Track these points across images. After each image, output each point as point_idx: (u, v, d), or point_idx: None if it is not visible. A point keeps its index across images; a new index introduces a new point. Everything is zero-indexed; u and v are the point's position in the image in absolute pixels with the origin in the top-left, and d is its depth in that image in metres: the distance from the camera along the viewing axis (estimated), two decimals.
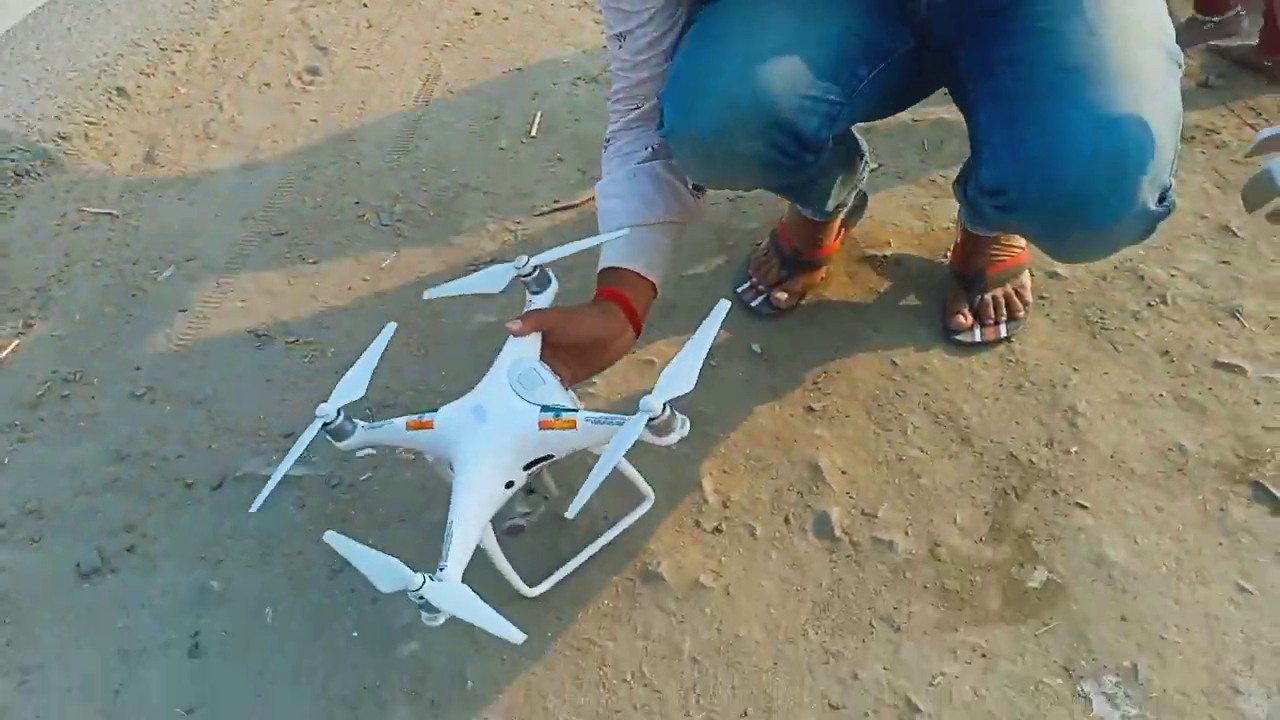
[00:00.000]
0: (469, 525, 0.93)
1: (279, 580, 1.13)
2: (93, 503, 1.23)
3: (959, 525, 1.12)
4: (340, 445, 1.02)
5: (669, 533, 1.14)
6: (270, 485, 0.99)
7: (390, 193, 1.69)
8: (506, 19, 2.20)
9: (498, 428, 0.97)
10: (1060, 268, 1.41)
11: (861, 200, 1.49)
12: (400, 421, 1.03)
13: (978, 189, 1.03)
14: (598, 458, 0.87)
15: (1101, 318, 1.34)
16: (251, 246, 1.59)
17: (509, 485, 0.97)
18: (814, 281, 1.42)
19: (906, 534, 1.12)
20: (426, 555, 1.10)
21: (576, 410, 0.96)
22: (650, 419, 0.88)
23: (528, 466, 0.98)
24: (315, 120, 1.89)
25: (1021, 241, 1.36)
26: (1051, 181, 0.93)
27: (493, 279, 1.08)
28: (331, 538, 0.89)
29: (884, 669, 1.00)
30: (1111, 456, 1.17)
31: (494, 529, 1.02)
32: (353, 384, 1.04)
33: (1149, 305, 1.34)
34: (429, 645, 1.05)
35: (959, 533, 1.11)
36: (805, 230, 1.39)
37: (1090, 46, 0.95)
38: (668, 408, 0.88)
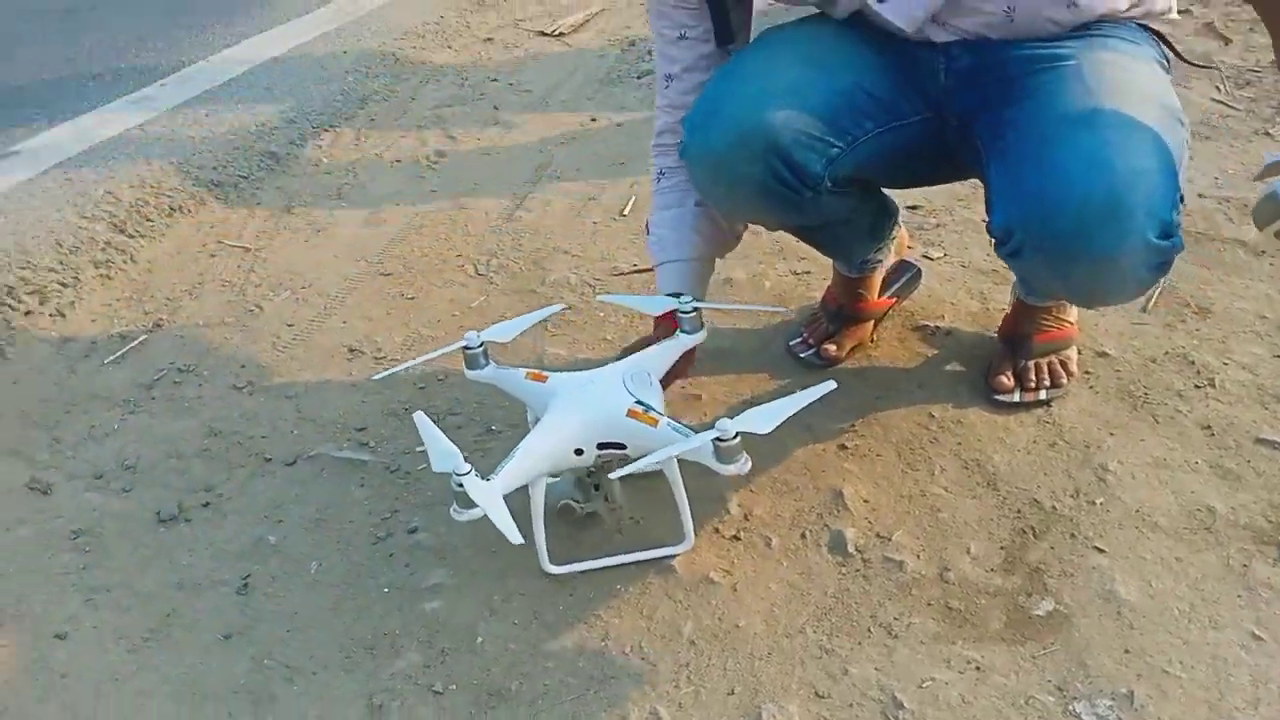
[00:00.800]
0: (528, 459, 1.05)
1: (329, 541, 1.23)
2: (181, 465, 1.36)
3: (972, 555, 1.14)
4: (469, 373, 1.20)
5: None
6: (401, 368, 1.31)
7: (488, 250, 1.85)
8: (620, 125, 2.40)
9: (594, 399, 1.11)
10: (1110, 347, 1.44)
11: (914, 274, 1.57)
12: (521, 371, 1.19)
13: (994, 242, 1.10)
14: (662, 488, 1.05)
15: (1146, 393, 1.36)
16: (360, 282, 1.76)
17: (578, 453, 1.08)
18: (862, 339, 1.49)
19: (918, 557, 1.15)
20: (468, 541, 1.19)
21: (668, 420, 1.08)
22: (719, 439, 1.00)
23: (601, 446, 1.09)
24: (435, 190, 2.10)
25: (1073, 316, 1.41)
26: (1049, 216, 1.00)
27: (654, 304, 1.28)
28: (419, 418, 1.03)
29: (875, 669, 1.02)
30: (1137, 511, 1.18)
31: (547, 500, 1.12)
32: (503, 330, 1.24)
33: (1196, 387, 1.36)
34: (450, 605, 1.13)
35: (971, 561, 1.14)
36: (846, 286, 1.48)
37: (1088, 103, 1.04)
38: (738, 437, 1.01)
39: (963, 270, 1.69)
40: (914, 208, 1.90)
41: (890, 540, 1.17)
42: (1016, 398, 1.36)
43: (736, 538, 1.19)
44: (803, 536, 1.19)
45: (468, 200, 2.05)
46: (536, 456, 1.06)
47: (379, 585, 1.16)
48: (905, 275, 1.59)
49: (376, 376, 1.47)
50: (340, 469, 1.34)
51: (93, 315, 1.68)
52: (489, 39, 3.10)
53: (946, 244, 1.77)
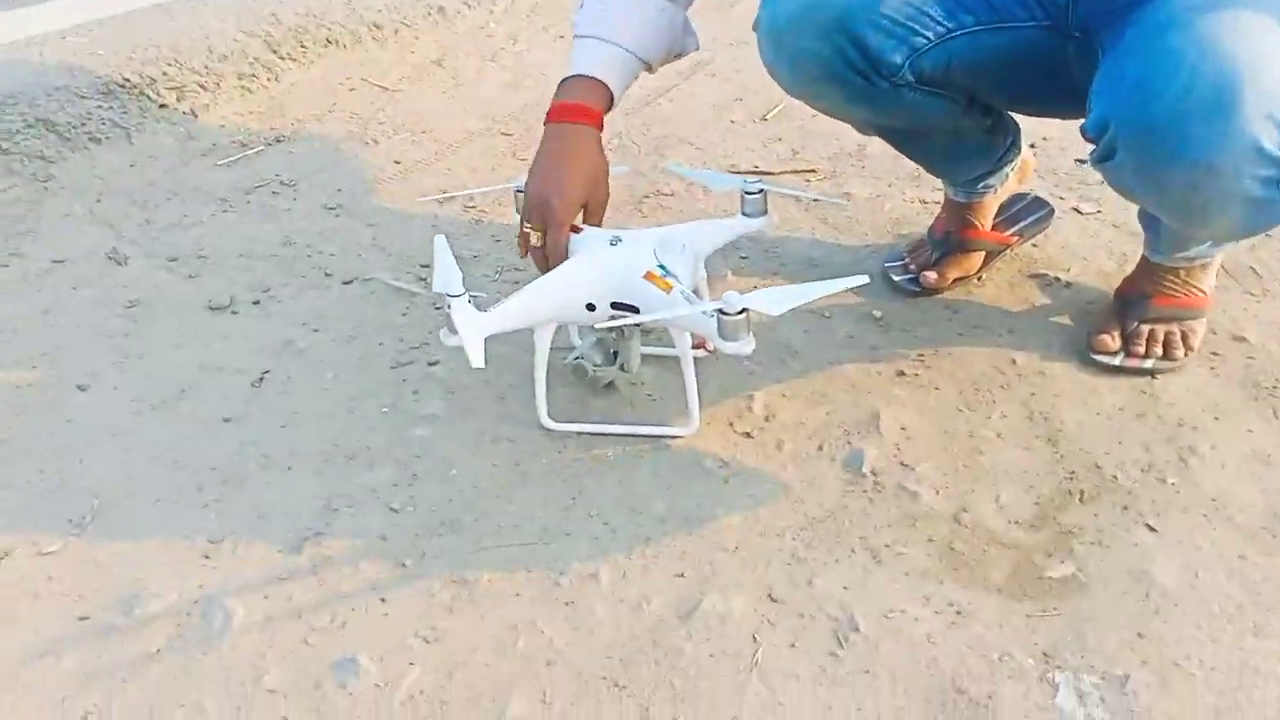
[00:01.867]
0: (533, 300, 1.01)
1: (351, 355, 1.22)
2: (249, 264, 1.39)
3: (999, 503, 1.01)
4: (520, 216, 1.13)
5: (701, 421, 1.11)
6: (450, 195, 1.33)
7: (616, 129, 1.79)
8: None
9: (616, 254, 1.05)
10: (1250, 332, 1.25)
11: (1045, 214, 1.41)
12: None
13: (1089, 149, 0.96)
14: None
15: (1276, 386, 1.17)
16: (478, 136, 1.75)
17: (590, 308, 1.03)
18: (967, 271, 1.35)
19: (937, 493, 1.03)
20: (481, 381, 1.15)
21: (682, 288, 1.01)
22: (722, 311, 0.93)
23: (615, 306, 1.03)
24: None
25: (1207, 285, 1.22)
26: (1146, 103, 0.85)
27: (719, 181, 1.21)
28: (438, 240, 1.00)
29: (843, 587, 0.92)
30: (1213, 500, 1.01)
31: (561, 359, 1.08)
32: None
33: None
34: (438, 434, 1.10)
35: (995, 509, 1.01)
36: (954, 211, 1.33)
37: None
38: (745, 313, 0.93)
39: (1112, 229, 1.50)
40: (1081, 161, 1.70)
41: (913, 470, 1.05)
42: (1117, 361, 1.20)
43: (748, 435, 1.10)
44: (819, 447, 1.08)
45: None
46: (543, 300, 1.01)
47: (380, 403, 1.15)
48: (1033, 214, 1.42)
49: (422, 198, 1.45)
50: (391, 296, 1.33)
51: (222, 121, 1.74)
52: None
53: (1104, 201, 1.58)
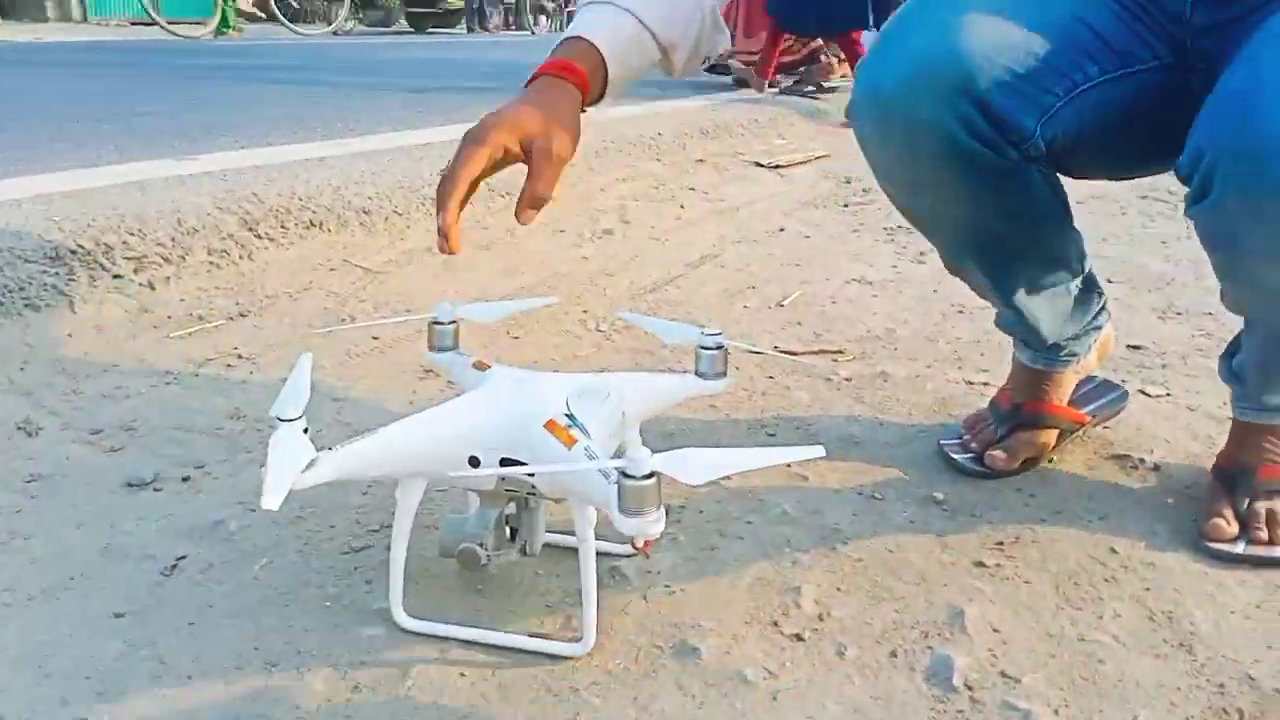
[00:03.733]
0: (395, 445, 0.77)
1: (293, 538, 0.98)
2: (184, 439, 1.17)
3: None
4: (430, 355, 0.98)
5: (734, 619, 0.87)
6: (357, 326, 0.88)
7: (625, 310, 1.63)
8: (808, 237, 2.17)
9: (519, 397, 0.82)
10: None
11: (1118, 395, 1.22)
12: (471, 358, 0.94)
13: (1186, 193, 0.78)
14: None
15: None
16: (468, 304, 1.57)
17: (473, 462, 0.79)
18: (1038, 451, 1.14)
19: (1056, 713, 0.76)
20: (453, 573, 0.91)
21: (588, 444, 0.77)
22: (625, 474, 0.66)
23: (503, 462, 0.79)
24: (586, 258, 1.92)
25: None
26: (1245, 123, 0.67)
27: (674, 332, 0.97)
28: (302, 357, 0.76)
29: None
30: None
31: (448, 537, 0.84)
32: (485, 311, 1.03)
33: None
34: (392, 635, 0.84)
35: None
36: (1029, 381, 1.14)
37: None
38: (654, 478, 0.66)
39: (1187, 412, 1.31)
40: (1136, 347, 1.53)
41: (1019, 683, 0.80)
42: (1240, 549, 0.97)
43: (799, 637, 0.85)
44: (892, 654, 0.83)
45: (619, 270, 1.86)
46: (410, 444, 0.77)
47: (323, 596, 0.90)
48: (1106, 395, 1.24)
49: (323, 330, 1.26)
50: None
51: (183, 295, 1.56)
52: (701, 160, 3.00)
53: (1171, 384, 1.39)
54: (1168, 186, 2.76)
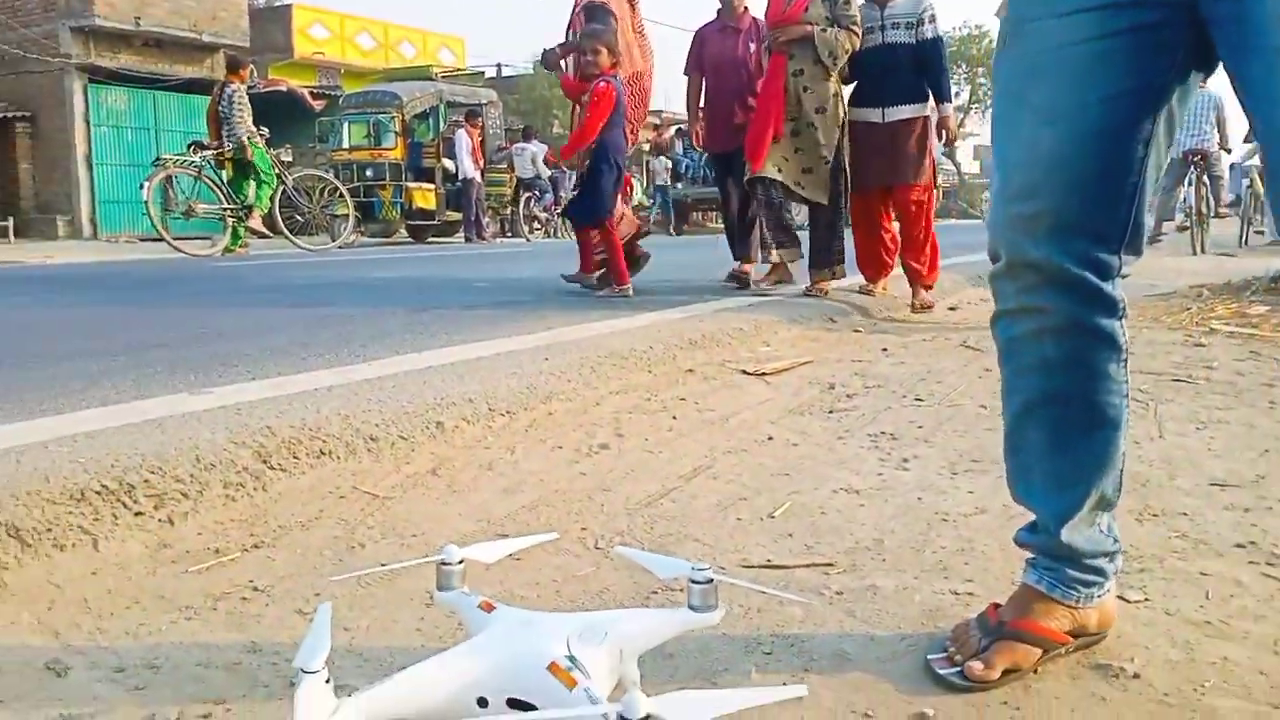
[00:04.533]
0: (412, 689, 0.86)
1: None
2: (205, 675, 1.22)
3: None
4: (438, 595, 1.06)
5: None
6: (367, 571, 0.95)
7: (617, 528, 1.71)
8: (795, 445, 2.27)
9: (524, 640, 0.91)
10: None
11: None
12: (477, 599, 1.01)
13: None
14: None
15: None
16: (472, 538, 1.64)
17: (482, 703, 0.86)
18: (1020, 662, 1.19)
19: None
20: None
21: (588, 685, 0.85)
22: (623, 717, 0.74)
23: (512, 705, 0.87)
24: (584, 474, 2.01)
25: None
26: None
27: (665, 567, 1.07)
28: (322, 609, 0.84)
29: None
30: None
31: None
32: (489, 550, 1.12)
33: None
34: None
35: None
36: (1020, 598, 1.21)
37: None
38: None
39: (1165, 617, 1.36)
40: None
41: None
42: None
43: None
44: None
45: (615, 485, 1.94)
46: (423, 689, 0.85)
47: None
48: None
49: (335, 578, 1.37)
50: None
51: (200, 529, 1.63)
52: (690, 370, 3.14)
53: (1150, 588, 1.46)
54: (1139, 386, 2.89)
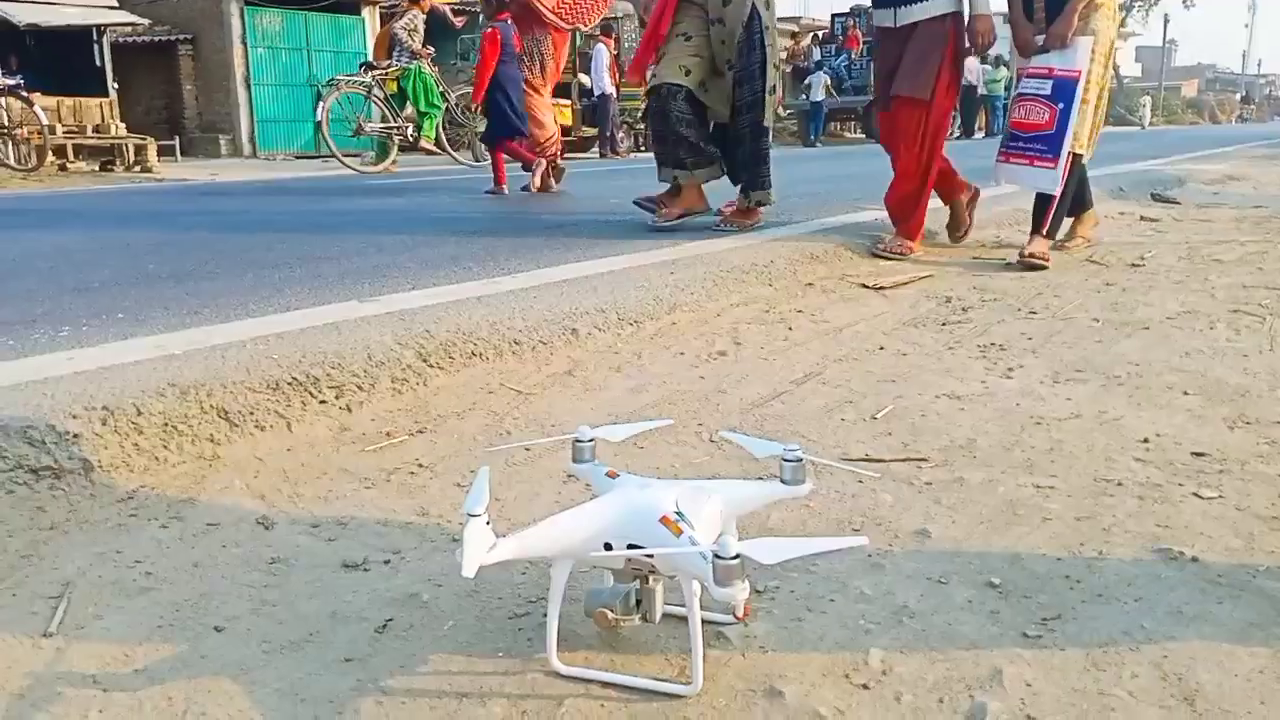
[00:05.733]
0: (551, 533, 1.07)
1: (471, 607, 1.26)
2: (384, 530, 1.48)
3: None
4: (572, 465, 1.26)
5: (813, 672, 1.10)
6: (517, 444, 1.18)
7: (730, 424, 1.89)
8: (905, 354, 2.40)
9: (639, 498, 1.11)
10: None
11: None
12: (604, 469, 1.21)
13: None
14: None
15: None
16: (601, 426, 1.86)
17: (608, 547, 1.07)
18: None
19: None
20: (593, 633, 1.17)
21: (691, 534, 1.05)
22: (717, 555, 0.96)
23: (630, 546, 1.08)
24: (703, 378, 2.20)
25: None
26: None
27: (764, 448, 1.25)
28: (482, 470, 1.06)
29: None
30: None
31: (586, 605, 1.12)
32: (614, 431, 1.32)
33: None
34: (550, 677, 1.10)
35: None
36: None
37: None
38: (740, 560, 0.96)
39: (1235, 512, 1.48)
40: (1199, 454, 1.71)
41: None
42: None
43: (865, 686, 1.08)
44: (940, 700, 1.05)
45: (731, 388, 2.12)
46: (561, 533, 1.06)
47: (496, 648, 1.17)
48: None
49: (490, 449, 1.60)
50: None
51: (373, 416, 1.90)
52: (809, 284, 3.27)
53: (1226, 488, 1.57)
54: (1259, 301, 2.89)
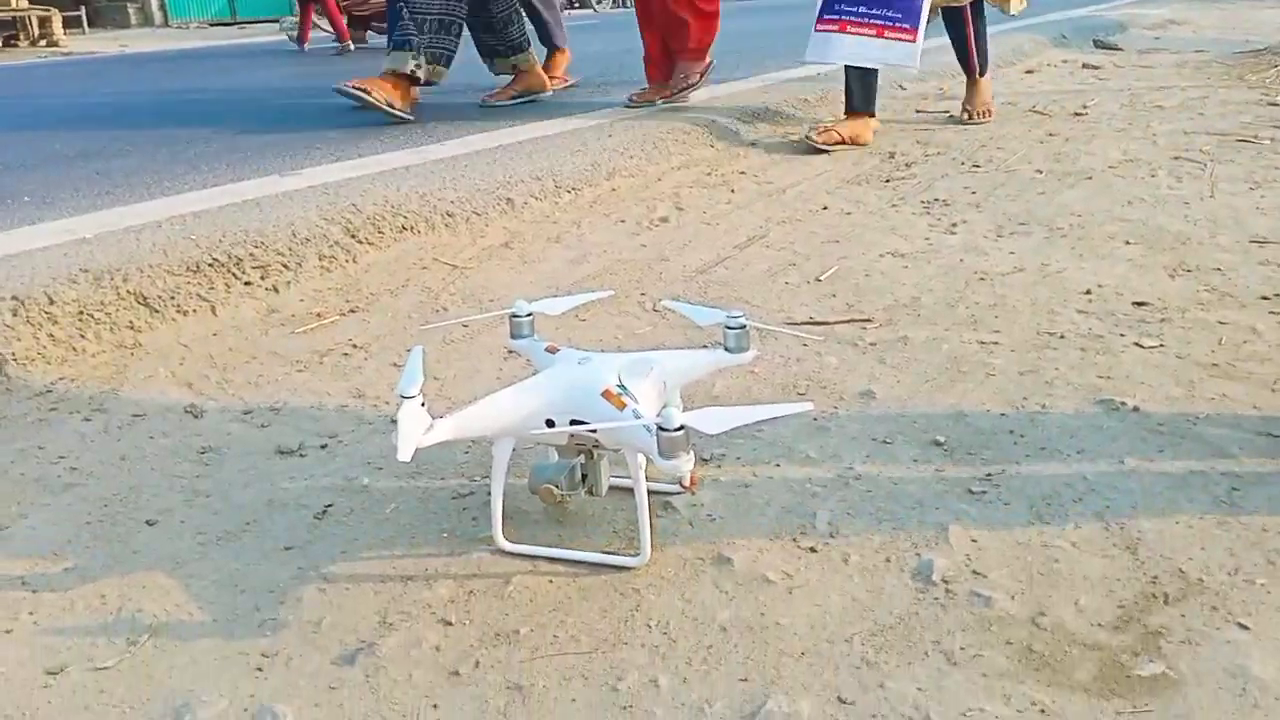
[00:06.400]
0: (490, 410, 1.03)
1: (413, 490, 1.23)
2: (319, 414, 1.43)
3: (1079, 607, 0.96)
4: (510, 341, 1.21)
5: (761, 537, 1.09)
6: (451, 321, 1.13)
7: (673, 292, 1.86)
8: (849, 214, 2.36)
9: (579, 372, 1.07)
10: None
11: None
12: (543, 343, 1.17)
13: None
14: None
15: None
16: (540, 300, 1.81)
17: (549, 424, 1.03)
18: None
19: (1013, 598, 0.98)
20: (538, 509, 1.15)
21: (635, 406, 1.02)
22: (661, 428, 0.92)
23: (572, 423, 1.04)
24: (645, 245, 2.15)
25: None
26: None
27: (707, 316, 1.20)
28: (415, 350, 1.02)
29: (917, 689, 0.87)
30: None
31: (531, 482, 1.09)
32: (552, 305, 1.27)
33: None
34: (495, 555, 1.09)
35: (1076, 611, 0.95)
36: None
37: None
38: (683, 430, 0.92)
39: (1176, 360, 1.49)
40: (1141, 304, 1.71)
41: (985, 578, 1.01)
42: None
43: (813, 549, 1.07)
44: (887, 560, 1.05)
45: (673, 255, 2.08)
46: (500, 412, 1.02)
47: (440, 529, 1.15)
48: None
49: (424, 326, 1.55)
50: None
51: (301, 296, 1.83)
52: (753, 143, 3.19)
53: (1167, 337, 1.57)
54: (1200, 146, 2.88)
